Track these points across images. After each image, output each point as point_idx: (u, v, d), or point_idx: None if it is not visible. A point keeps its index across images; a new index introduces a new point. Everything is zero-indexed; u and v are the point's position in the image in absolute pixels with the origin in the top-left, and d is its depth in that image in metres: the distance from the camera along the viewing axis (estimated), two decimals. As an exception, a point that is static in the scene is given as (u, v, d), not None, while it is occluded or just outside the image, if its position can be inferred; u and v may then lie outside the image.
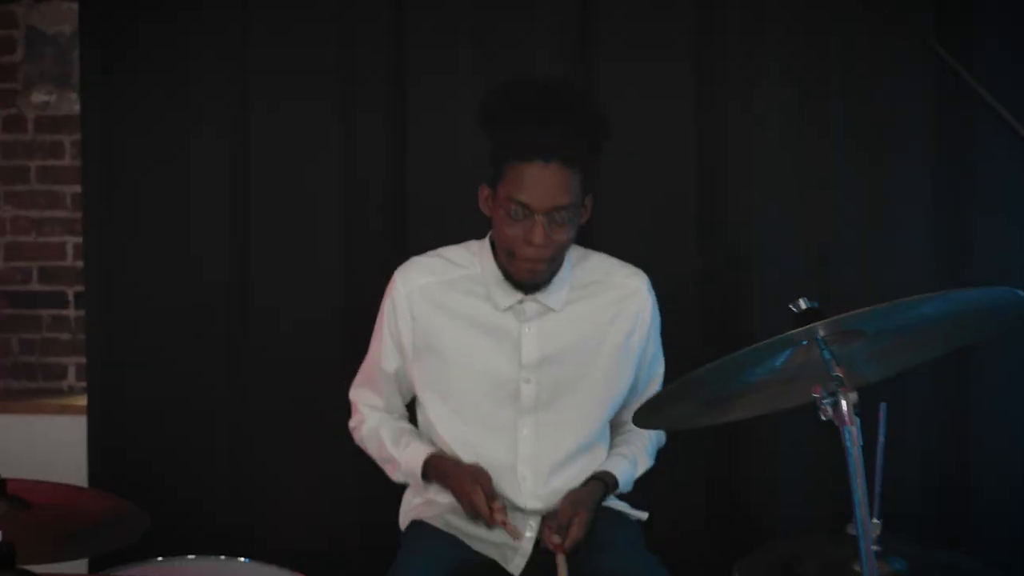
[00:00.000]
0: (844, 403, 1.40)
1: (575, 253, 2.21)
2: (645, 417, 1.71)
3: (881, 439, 1.68)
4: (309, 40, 2.91)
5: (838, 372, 1.42)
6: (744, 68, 2.73)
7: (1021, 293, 1.46)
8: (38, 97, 3.46)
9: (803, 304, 1.48)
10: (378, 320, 2.26)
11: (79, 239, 3.37)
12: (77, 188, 3.40)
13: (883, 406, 1.67)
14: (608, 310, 2.17)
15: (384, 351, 2.23)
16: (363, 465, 2.38)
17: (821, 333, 1.43)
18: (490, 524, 2.05)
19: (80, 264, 3.38)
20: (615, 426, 2.28)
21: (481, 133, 2.15)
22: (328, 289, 2.88)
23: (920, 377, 2.62)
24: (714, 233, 2.76)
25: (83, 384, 3.47)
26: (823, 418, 1.44)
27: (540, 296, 2.14)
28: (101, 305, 2.99)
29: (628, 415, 2.23)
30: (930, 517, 2.66)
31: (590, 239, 2.42)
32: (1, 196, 3.50)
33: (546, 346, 2.14)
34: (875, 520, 1.70)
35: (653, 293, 2.23)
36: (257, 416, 2.92)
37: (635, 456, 2.22)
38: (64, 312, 3.54)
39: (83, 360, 3.40)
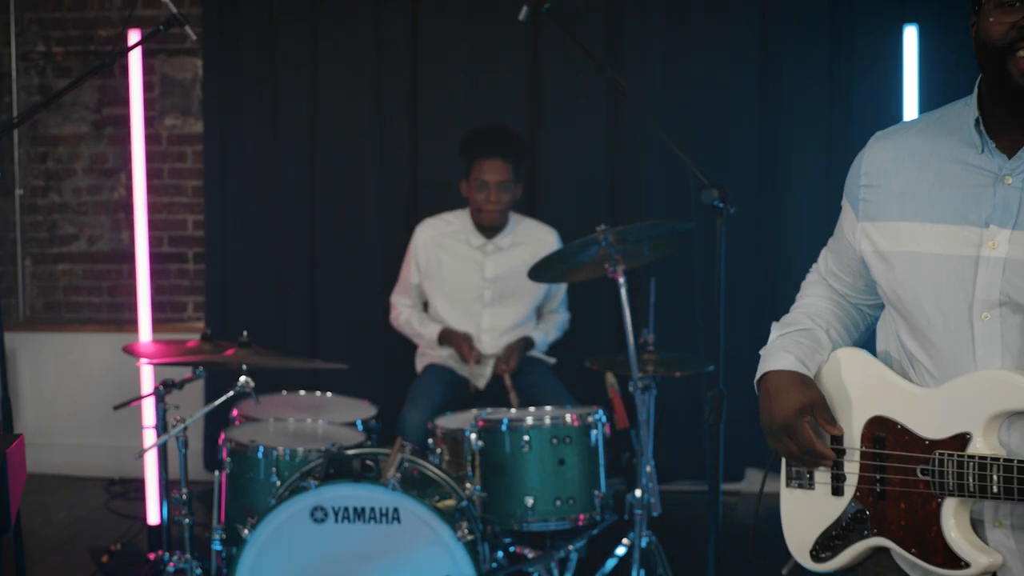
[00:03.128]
0: (619, 272, 3.05)
1: (515, 218, 3.87)
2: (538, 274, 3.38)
3: (652, 299, 3.32)
4: (353, 68, 4.61)
5: (619, 260, 3.08)
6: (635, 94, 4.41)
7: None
8: (169, 121, 5.10)
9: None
10: (405, 256, 3.92)
11: (198, 217, 5.04)
12: (195, 182, 5.06)
13: (652, 280, 3.32)
14: (533, 249, 3.82)
15: (410, 273, 3.90)
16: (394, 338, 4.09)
17: (610, 237, 3.07)
18: (468, 361, 3.71)
19: (198, 234, 5.05)
20: (539, 314, 3.95)
21: (464, 126, 3.86)
22: (368, 239, 4.59)
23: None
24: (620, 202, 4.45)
25: (199, 315, 5.12)
26: (609, 276, 3.08)
27: (495, 241, 3.80)
28: (215, 262, 4.72)
29: (546, 308, 3.90)
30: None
31: (537, 208, 4.11)
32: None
33: (498, 269, 3.80)
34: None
35: (560, 241, 3.89)
36: (326, 320, 4.64)
37: (547, 330, 3.89)
38: (185, 267, 5.18)
39: (199, 299, 5.07)
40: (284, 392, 3.76)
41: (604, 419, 3.09)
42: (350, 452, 2.96)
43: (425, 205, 4.44)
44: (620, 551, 3.38)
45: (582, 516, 3.00)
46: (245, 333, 3.16)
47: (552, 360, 3.91)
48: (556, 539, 3.21)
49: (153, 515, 4.11)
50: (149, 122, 5.00)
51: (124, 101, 4.88)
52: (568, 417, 3.03)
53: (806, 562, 1.82)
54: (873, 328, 1.90)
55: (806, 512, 1.82)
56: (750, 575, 2.80)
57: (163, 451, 3.52)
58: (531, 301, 3.85)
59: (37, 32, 5.10)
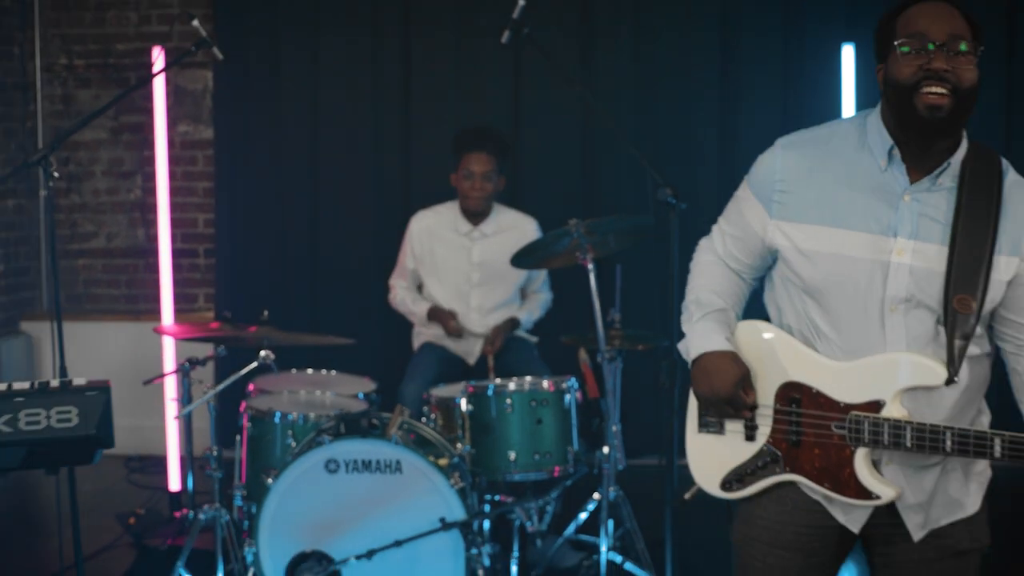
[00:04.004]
0: (588, 259, 3.54)
1: (498, 208, 4.35)
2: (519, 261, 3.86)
3: (618, 283, 3.81)
4: (350, 80, 5.10)
5: (588, 250, 3.56)
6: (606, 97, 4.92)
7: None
8: (182, 128, 5.56)
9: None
10: (402, 244, 4.40)
11: (208, 215, 5.51)
12: (206, 184, 5.53)
13: (618, 267, 3.81)
14: (515, 236, 4.29)
15: (406, 259, 4.38)
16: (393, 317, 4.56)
17: (581, 230, 3.55)
18: (450, 333, 4.19)
19: (208, 231, 5.52)
20: (524, 294, 4.43)
21: (455, 122, 4.39)
22: (365, 232, 5.07)
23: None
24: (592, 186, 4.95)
25: (209, 305, 5.58)
26: (580, 263, 3.56)
27: (481, 227, 4.29)
28: (224, 257, 5.20)
29: (529, 289, 4.39)
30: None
31: (518, 200, 4.61)
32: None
33: (484, 254, 4.29)
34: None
35: (540, 230, 4.36)
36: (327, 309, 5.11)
37: (531, 310, 4.38)
38: (197, 261, 5.64)
39: (210, 291, 5.54)
40: (293, 370, 4.22)
41: (577, 386, 3.58)
42: (358, 413, 3.44)
43: (415, 200, 4.91)
44: (591, 506, 3.86)
45: (557, 468, 3.48)
46: (266, 312, 3.63)
47: (535, 339, 4.40)
48: (535, 488, 3.69)
49: (175, 482, 4.57)
50: (140, 128, 5.46)
51: (140, 109, 5.36)
52: (545, 384, 3.52)
53: (714, 491, 2.24)
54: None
55: (717, 453, 2.24)
56: (707, 529, 3.28)
57: (186, 422, 4.00)
58: (515, 282, 4.34)
59: (59, 46, 5.56)
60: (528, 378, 3.57)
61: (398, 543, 3.26)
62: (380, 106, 5.15)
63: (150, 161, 5.39)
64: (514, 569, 3.67)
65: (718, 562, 2.82)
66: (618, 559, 3.69)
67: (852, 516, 2.11)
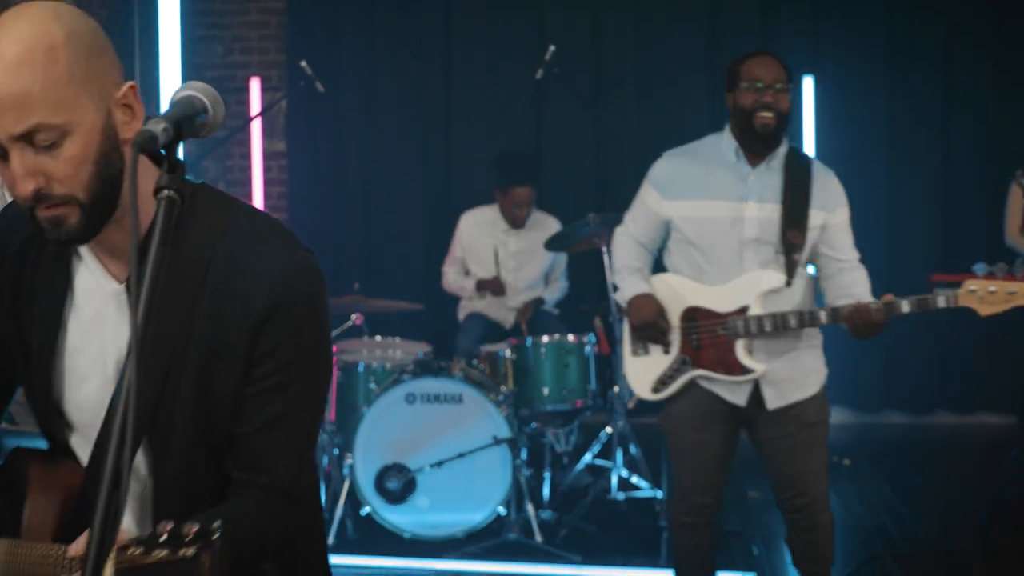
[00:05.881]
0: (603, 245, 4.63)
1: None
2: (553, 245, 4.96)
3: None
4: (401, 104, 6.22)
5: (603, 237, 4.64)
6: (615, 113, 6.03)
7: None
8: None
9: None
10: (453, 237, 5.49)
11: (282, 215, 6.62)
12: (279, 189, 6.63)
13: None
14: (541, 232, 5.35)
15: (456, 249, 5.48)
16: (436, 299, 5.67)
17: (597, 221, 4.63)
18: (501, 294, 5.28)
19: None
20: (547, 280, 5.53)
21: (489, 135, 5.55)
22: (412, 226, 6.18)
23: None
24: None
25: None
26: (597, 248, 4.66)
27: (519, 232, 5.38)
28: None
29: (551, 276, 5.50)
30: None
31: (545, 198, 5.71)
32: (263, 195, 6.70)
33: (518, 246, 5.39)
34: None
35: (560, 225, 5.45)
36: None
37: (553, 292, 5.47)
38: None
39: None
40: (365, 337, 5.31)
41: (594, 341, 4.67)
42: (429, 359, 4.54)
43: (457, 200, 5.98)
44: (603, 437, 4.95)
45: (579, 401, 4.57)
46: (356, 284, 4.72)
47: (557, 311, 5.49)
48: (563, 417, 4.79)
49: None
50: (242, 143, 6.56)
51: (223, 126, 6.46)
52: (571, 337, 4.61)
53: (647, 395, 3.32)
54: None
55: (646, 368, 3.31)
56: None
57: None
58: (541, 268, 5.43)
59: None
60: (557, 334, 4.66)
61: (461, 455, 4.35)
62: (425, 122, 6.28)
63: (231, 170, 6.49)
64: (546, 488, 4.76)
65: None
66: (625, 474, 4.80)
67: (737, 394, 3.21)
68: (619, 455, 4.83)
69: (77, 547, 1.41)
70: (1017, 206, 5.14)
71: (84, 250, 1.56)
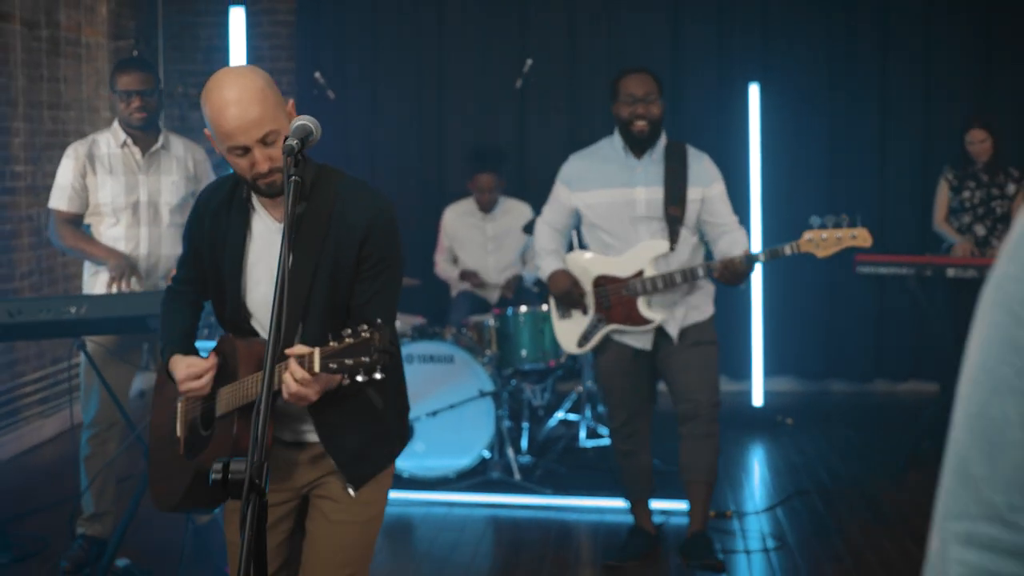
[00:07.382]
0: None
1: (503, 199, 6.23)
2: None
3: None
4: (401, 107, 7.02)
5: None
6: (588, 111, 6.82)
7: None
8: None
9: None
10: (440, 229, 6.27)
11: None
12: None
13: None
14: (515, 217, 6.15)
15: (443, 239, 6.26)
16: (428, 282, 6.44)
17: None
18: (480, 286, 6.07)
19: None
20: (524, 260, 6.32)
21: (477, 136, 6.27)
22: (409, 221, 6.96)
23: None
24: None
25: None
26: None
27: (491, 214, 6.15)
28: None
29: (527, 256, 6.30)
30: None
31: (527, 188, 6.49)
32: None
33: (495, 231, 6.16)
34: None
35: (533, 211, 6.23)
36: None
37: (529, 271, 6.25)
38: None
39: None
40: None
41: (565, 311, 5.46)
42: (424, 326, 5.32)
43: (448, 196, 6.77)
44: (573, 395, 5.74)
45: (552, 361, 5.35)
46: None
47: (536, 289, 6.27)
48: (539, 374, 5.58)
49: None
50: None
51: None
52: (545, 307, 5.39)
53: (573, 350, 4.14)
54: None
55: (570, 327, 4.11)
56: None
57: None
58: (516, 249, 6.21)
59: (177, 77, 7.42)
60: (534, 306, 5.45)
61: (452, 407, 5.12)
62: (421, 124, 7.06)
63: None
64: (524, 439, 5.54)
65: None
66: (593, 424, 5.60)
67: (643, 341, 4.02)
68: (588, 410, 5.63)
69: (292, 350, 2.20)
70: (944, 199, 5.95)
71: (257, 204, 2.44)
